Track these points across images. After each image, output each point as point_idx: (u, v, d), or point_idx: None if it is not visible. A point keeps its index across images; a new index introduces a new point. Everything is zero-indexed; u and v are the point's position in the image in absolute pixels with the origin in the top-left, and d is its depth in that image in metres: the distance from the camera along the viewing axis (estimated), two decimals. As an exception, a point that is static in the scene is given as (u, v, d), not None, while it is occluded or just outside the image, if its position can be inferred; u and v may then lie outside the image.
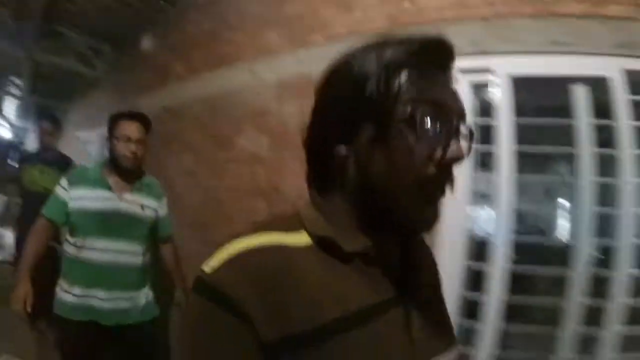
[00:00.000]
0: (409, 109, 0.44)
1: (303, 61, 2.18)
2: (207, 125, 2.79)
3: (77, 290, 1.64)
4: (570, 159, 1.55)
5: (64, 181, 1.70)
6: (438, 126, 0.45)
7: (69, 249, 1.69)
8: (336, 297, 0.44)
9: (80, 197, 1.65)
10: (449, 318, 0.60)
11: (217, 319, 0.40)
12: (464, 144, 0.46)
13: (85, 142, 5.02)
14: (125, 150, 1.68)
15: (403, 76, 0.45)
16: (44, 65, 4.99)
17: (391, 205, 0.46)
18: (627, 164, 1.41)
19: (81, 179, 1.70)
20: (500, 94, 1.57)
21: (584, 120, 1.48)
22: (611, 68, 1.40)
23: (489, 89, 1.61)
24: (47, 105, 5.99)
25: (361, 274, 0.47)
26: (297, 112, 2.14)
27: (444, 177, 0.46)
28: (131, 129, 1.70)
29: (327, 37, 2.14)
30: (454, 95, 0.48)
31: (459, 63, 0.51)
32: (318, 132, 0.50)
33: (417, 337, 0.49)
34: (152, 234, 1.87)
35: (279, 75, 2.32)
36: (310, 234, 0.47)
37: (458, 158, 0.45)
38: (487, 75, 1.59)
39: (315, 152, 0.52)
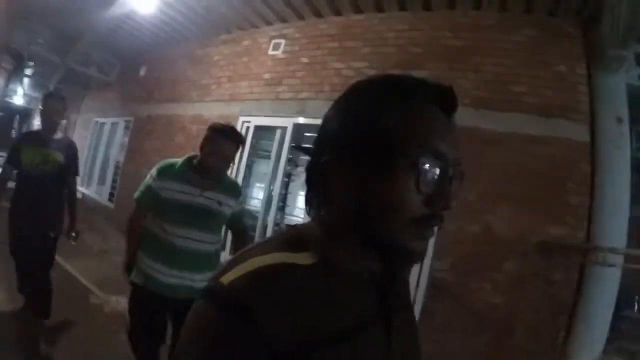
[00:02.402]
0: (414, 155, 0.48)
1: (201, 108, 4.87)
2: (165, 128, 5.50)
3: (155, 265, 1.85)
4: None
5: (154, 172, 1.89)
6: (436, 173, 0.49)
7: (154, 230, 1.88)
8: (337, 313, 0.48)
9: (168, 189, 1.84)
10: (417, 335, 0.65)
11: (235, 330, 0.41)
12: (454, 188, 0.51)
13: (101, 125, 7.70)
14: (218, 165, 1.86)
15: (413, 119, 0.50)
16: (72, 71, 7.68)
17: (384, 237, 0.50)
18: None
19: (169, 172, 1.87)
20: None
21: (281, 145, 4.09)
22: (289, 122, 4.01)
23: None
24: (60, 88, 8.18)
25: (354, 292, 0.51)
26: (196, 129, 4.82)
27: (435, 220, 0.50)
28: (229, 148, 1.85)
29: (213, 95, 4.82)
30: (453, 143, 0.51)
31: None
32: (321, 158, 0.53)
33: (396, 355, 0.54)
34: (228, 226, 2.09)
35: (192, 111, 5.03)
36: (314, 254, 0.50)
37: (450, 204, 0.50)
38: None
39: (316, 177, 0.55)
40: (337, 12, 4.08)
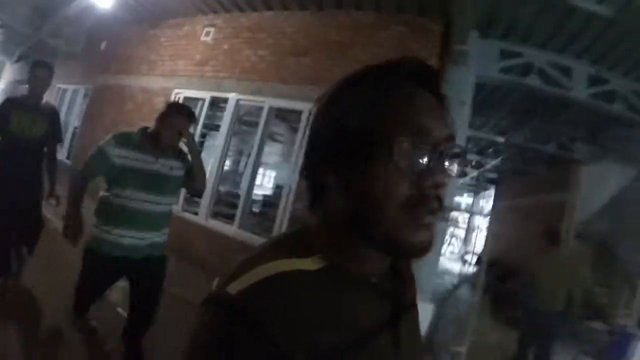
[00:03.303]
0: (389, 134, 0.46)
1: (147, 80, 5.81)
2: (118, 97, 6.41)
3: (112, 229, 1.98)
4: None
5: (110, 140, 2.00)
6: (420, 152, 0.47)
7: (109, 195, 2.01)
8: (346, 319, 0.47)
9: (123, 156, 1.98)
10: (420, 333, 0.66)
11: (244, 342, 0.41)
12: (451, 166, 0.48)
13: (63, 91, 8.52)
14: (171, 137, 2.05)
15: (387, 101, 0.48)
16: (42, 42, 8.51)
17: (379, 231, 0.47)
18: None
19: (125, 141, 2.01)
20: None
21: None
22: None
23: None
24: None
25: (362, 297, 0.50)
26: (142, 98, 5.75)
27: (430, 202, 0.47)
28: (182, 123, 2.07)
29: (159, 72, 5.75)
30: (440, 119, 0.49)
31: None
32: (310, 161, 0.53)
33: (404, 358, 0.54)
34: (183, 185, 2.24)
35: (140, 83, 5.95)
36: (320, 259, 0.49)
37: (441, 182, 0.47)
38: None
39: (310, 181, 0.54)
40: (254, 9, 5.03)
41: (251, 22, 5.03)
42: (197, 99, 5.11)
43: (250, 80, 4.73)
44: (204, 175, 2.25)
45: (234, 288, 0.44)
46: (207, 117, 5.00)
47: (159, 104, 5.36)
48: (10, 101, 2.91)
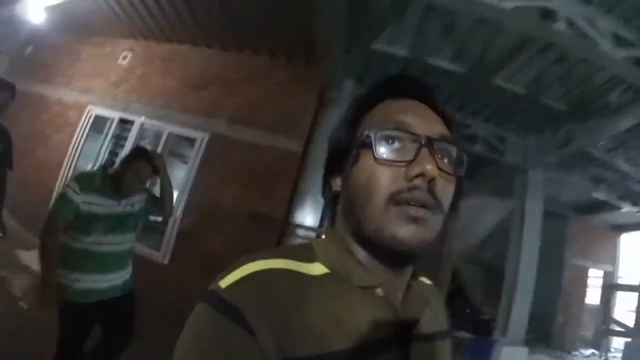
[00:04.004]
0: (365, 133, 0.52)
1: (62, 93, 6.10)
2: (35, 104, 6.61)
3: (82, 276, 1.95)
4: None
5: (74, 185, 1.94)
6: (403, 144, 0.51)
7: (73, 243, 1.95)
8: (343, 329, 0.46)
9: (89, 202, 1.95)
10: None
11: (229, 332, 0.42)
12: (438, 161, 0.50)
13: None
14: (134, 182, 2.08)
15: (380, 106, 0.56)
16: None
17: (367, 226, 0.50)
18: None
19: (89, 185, 1.97)
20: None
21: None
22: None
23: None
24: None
25: (370, 309, 0.50)
26: (56, 110, 6.02)
27: (418, 193, 0.48)
28: (145, 170, 2.09)
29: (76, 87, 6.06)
30: (425, 118, 0.53)
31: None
32: (325, 176, 0.61)
33: None
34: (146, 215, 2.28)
35: (56, 94, 6.23)
36: (324, 266, 0.51)
37: (428, 173, 0.48)
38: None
39: (327, 194, 0.61)
40: (169, 40, 5.52)
41: (164, 53, 5.53)
42: (106, 118, 5.48)
43: (155, 106, 5.19)
44: (172, 201, 2.31)
45: (225, 282, 0.46)
46: (114, 136, 5.36)
47: (72, 118, 5.76)
48: None
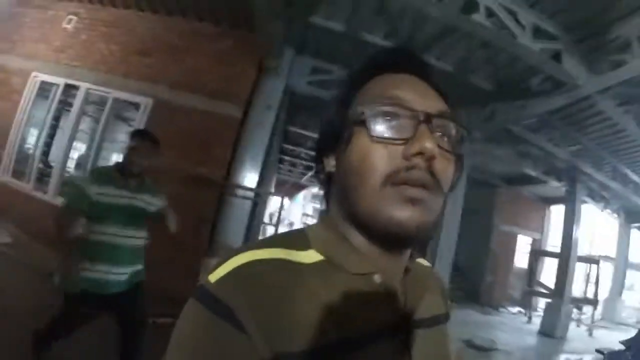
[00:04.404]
0: (358, 110, 0.49)
1: (6, 59, 6.05)
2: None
3: (102, 267, 2.04)
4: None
5: (89, 177, 2.12)
6: (396, 123, 0.48)
7: (91, 233, 2.03)
8: (338, 319, 0.45)
9: (104, 193, 2.05)
10: (449, 353, 0.60)
11: (219, 330, 0.41)
12: (436, 139, 0.47)
13: None
14: (135, 159, 2.15)
15: (375, 81, 0.53)
16: None
17: (361, 206, 0.48)
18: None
19: (103, 178, 2.10)
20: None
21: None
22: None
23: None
24: None
25: (367, 298, 0.48)
26: (5, 78, 6.00)
27: (416, 173, 0.46)
28: (146, 144, 2.19)
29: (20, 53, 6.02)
30: (421, 94, 0.50)
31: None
32: (317, 156, 0.58)
33: None
34: (155, 221, 2.32)
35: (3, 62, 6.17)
36: (318, 253, 0.50)
37: (426, 151, 0.46)
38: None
39: (319, 174, 0.58)
40: (114, 5, 5.56)
41: (109, 17, 5.56)
42: (52, 84, 5.54)
43: (100, 72, 5.29)
44: (176, 226, 2.38)
45: (215, 275, 0.45)
46: (60, 102, 5.44)
47: (17, 85, 5.73)
48: None
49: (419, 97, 0.50)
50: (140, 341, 2.17)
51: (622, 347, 2.72)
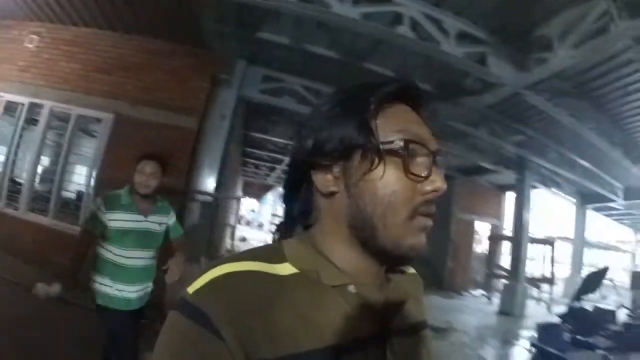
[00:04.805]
0: (399, 141, 0.51)
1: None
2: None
3: (114, 284, 2.18)
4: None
5: (101, 204, 2.21)
6: (421, 159, 0.53)
7: (105, 254, 2.21)
8: (314, 329, 0.47)
9: (116, 219, 2.18)
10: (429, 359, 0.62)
11: (197, 337, 0.43)
12: (441, 173, 0.53)
13: None
14: (142, 182, 2.24)
15: (391, 110, 0.55)
16: None
17: (385, 235, 0.51)
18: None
19: (116, 204, 2.21)
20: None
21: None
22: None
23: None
24: None
25: (345, 308, 0.50)
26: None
27: (430, 206, 0.53)
28: (150, 166, 2.26)
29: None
30: (429, 132, 0.56)
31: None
32: (300, 162, 0.56)
33: None
34: (166, 239, 2.45)
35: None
36: (294, 266, 0.51)
37: (440, 186, 0.52)
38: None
39: (300, 192, 0.58)
40: (74, 23, 5.88)
41: (70, 36, 5.87)
42: (17, 103, 5.85)
43: (63, 90, 5.62)
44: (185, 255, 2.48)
45: (193, 287, 0.48)
46: (26, 120, 5.76)
47: (-16, 104, 6.01)
48: None
49: (429, 136, 0.55)
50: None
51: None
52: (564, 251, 13.92)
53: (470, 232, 11.99)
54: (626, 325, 5.14)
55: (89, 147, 5.90)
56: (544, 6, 4.16)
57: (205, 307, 0.45)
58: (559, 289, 11.28)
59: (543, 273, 10.30)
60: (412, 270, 0.69)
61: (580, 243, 12.52)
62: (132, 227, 2.23)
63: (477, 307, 9.19)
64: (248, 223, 25.94)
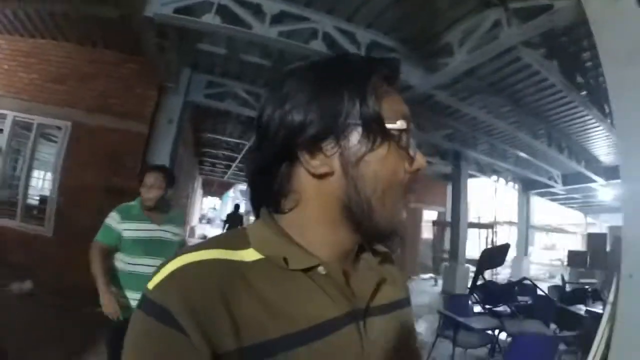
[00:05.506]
0: (402, 122, 0.52)
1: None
2: None
3: (132, 294, 2.19)
4: None
5: (115, 215, 2.30)
6: (409, 137, 0.54)
7: (121, 265, 2.26)
8: (282, 315, 0.47)
9: (130, 229, 2.27)
10: (411, 339, 0.64)
11: (161, 335, 0.43)
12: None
13: None
14: (144, 194, 2.33)
15: (387, 87, 0.54)
16: None
17: (375, 211, 0.51)
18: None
19: (128, 214, 2.31)
20: None
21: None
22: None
23: None
24: None
25: (314, 290, 0.50)
26: None
27: (413, 185, 0.55)
28: (150, 178, 2.33)
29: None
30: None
31: None
32: (282, 153, 0.53)
33: (369, 355, 0.52)
34: None
35: None
36: (257, 251, 0.51)
37: (425, 166, 0.55)
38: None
39: (276, 175, 0.54)
40: (31, 35, 6.43)
41: (27, 47, 6.41)
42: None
43: (23, 100, 6.21)
44: None
45: (153, 282, 0.47)
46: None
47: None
48: None
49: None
50: None
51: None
52: (511, 235, 15.16)
53: (417, 220, 12.86)
54: (536, 297, 5.75)
55: (49, 150, 6.45)
56: (446, 17, 4.74)
57: (165, 303, 0.44)
58: (506, 269, 12.34)
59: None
60: (383, 248, 0.67)
61: (524, 226, 13.57)
62: (146, 236, 2.31)
63: (422, 289, 10.05)
64: (209, 221, 26.86)
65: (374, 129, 0.51)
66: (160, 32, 5.15)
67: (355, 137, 0.51)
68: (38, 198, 6.42)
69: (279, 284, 0.49)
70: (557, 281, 9.38)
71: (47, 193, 6.17)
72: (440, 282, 10.62)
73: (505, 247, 6.58)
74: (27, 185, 6.15)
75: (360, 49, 5.04)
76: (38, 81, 6.22)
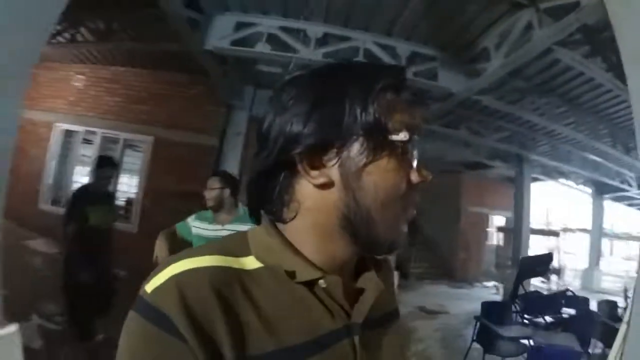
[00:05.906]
0: (404, 133, 0.54)
1: (31, 114, 8.76)
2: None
3: None
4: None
5: (193, 215, 2.86)
6: (412, 148, 0.55)
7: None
8: (281, 327, 0.50)
9: (198, 227, 2.78)
10: (404, 351, 0.68)
11: (156, 336, 0.45)
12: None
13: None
14: (205, 195, 2.75)
15: (391, 97, 0.56)
16: None
17: (375, 223, 0.54)
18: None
19: (202, 217, 2.82)
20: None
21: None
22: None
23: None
24: None
25: (313, 304, 0.54)
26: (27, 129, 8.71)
27: (415, 197, 0.56)
28: (210, 182, 2.76)
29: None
30: (418, 115, 0.58)
31: None
32: (281, 160, 0.55)
33: None
34: None
35: (27, 116, 8.90)
36: (258, 260, 0.54)
37: (429, 178, 0.56)
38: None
39: (276, 182, 0.57)
40: (112, 63, 8.11)
41: (109, 75, 7.86)
42: (73, 131, 8.11)
43: (109, 119, 7.74)
44: None
45: (150, 286, 0.49)
46: (82, 144, 8.05)
47: (44, 133, 8.36)
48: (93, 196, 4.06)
49: (418, 121, 0.58)
50: None
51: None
52: (583, 243, 15.12)
53: (481, 225, 13.22)
54: (580, 311, 5.87)
55: (136, 157, 7.85)
56: (478, 21, 5.21)
57: (164, 308, 0.46)
58: (577, 280, 12.65)
59: (552, 264, 11.60)
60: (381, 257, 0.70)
61: (597, 234, 13.08)
62: (209, 235, 2.71)
63: (482, 297, 9.80)
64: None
65: (376, 140, 0.53)
66: (220, 59, 6.24)
67: (356, 147, 0.54)
68: (125, 200, 7.96)
69: (279, 295, 0.52)
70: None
71: (133, 196, 7.59)
72: (501, 290, 10.53)
73: (547, 257, 6.92)
74: (115, 190, 7.68)
75: (400, 61, 5.79)
76: (122, 103, 7.67)
